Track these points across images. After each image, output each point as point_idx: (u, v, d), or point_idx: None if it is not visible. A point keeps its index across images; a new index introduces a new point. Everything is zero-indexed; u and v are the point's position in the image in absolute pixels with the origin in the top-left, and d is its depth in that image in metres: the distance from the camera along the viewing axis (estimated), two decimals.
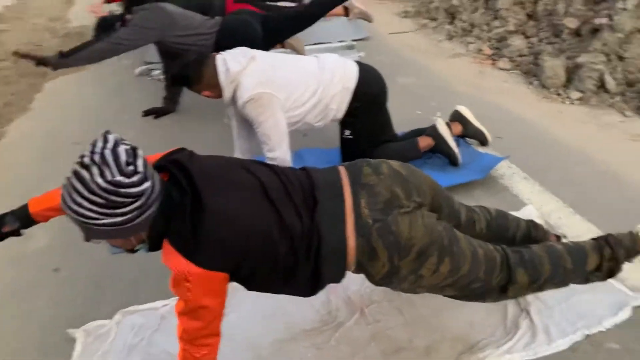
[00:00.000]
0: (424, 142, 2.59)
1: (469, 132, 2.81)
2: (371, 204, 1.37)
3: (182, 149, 1.42)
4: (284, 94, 2.24)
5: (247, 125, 2.44)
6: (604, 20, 3.72)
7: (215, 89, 2.25)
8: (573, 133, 3.04)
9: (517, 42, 4.13)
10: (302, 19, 3.47)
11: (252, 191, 1.35)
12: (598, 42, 3.62)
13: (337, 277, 1.45)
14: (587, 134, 3.03)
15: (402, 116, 3.16)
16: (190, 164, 1.33)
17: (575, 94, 3.46)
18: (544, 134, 3.02)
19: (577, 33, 4.01)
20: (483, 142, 2.84)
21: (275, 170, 1.45)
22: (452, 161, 2.63)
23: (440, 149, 2.61)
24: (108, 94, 4.01)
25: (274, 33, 3.29)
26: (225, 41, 3.05)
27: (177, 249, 1.24)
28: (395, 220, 1.35)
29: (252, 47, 3.09)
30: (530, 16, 4.50)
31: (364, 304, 1.87)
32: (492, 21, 4.59)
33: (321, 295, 1.76)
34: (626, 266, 1.64)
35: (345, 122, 2.43)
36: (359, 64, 2.42)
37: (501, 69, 4.02)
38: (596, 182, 2.52)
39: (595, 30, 3.80)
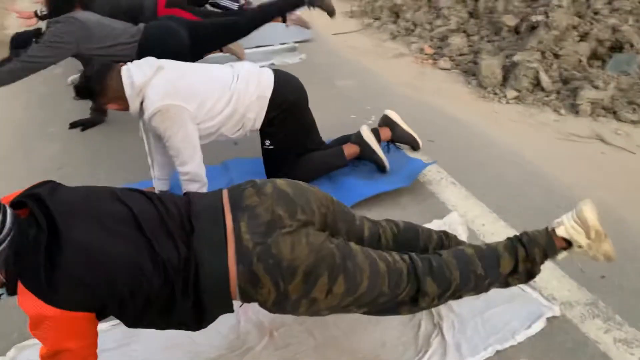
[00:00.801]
0: (350, 149, 2.52)
1: (398, 137, 2.75)
2: (252, 227, 1.30)
3: (47, 182, 1.31)
4: (194, 105, 2.13)
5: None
6: (540, 17, 3.72)
7: (122, 102, 2.12)
8: (506, 133, 3.01)
9: (457, 41, 4.11)
10: (236, 30, 3.35)
11: (121, 223, 1.26)
12: (534, 39, 3.61)
13: (224, 308, 1.36)
14: (520, 134, 3.01)
15: (337, 120, 3.11)
16: (50, 197, 1.23)
17: (511, 93, 3.44)
18: (477, 136, 2.99)
19: (516, 31, 4.00)
20: (414, 146, 2.78)
21: (151, 198, 1.36)
22: (380, 168, 2.57)
23: (366, 156, 2.54)
24: (36, 105, 3.83)
25: (203, 42, 3.16)
26: (148, 51, 2.91)
27: (30, 289, 1.13)
28: (276, 242, 1.28)
29: (178, 57, 2.95)
30: (471, 14, 4.48)
31: (274, 327, 1.79)
32: (435, 20, 4.56)
33: (231, 318, 1.68)
34: (545, 274, 1.59)
35: (265, 132, 2.34)
36: (275, 71, 2.33)
37: (442, 68, 3.98)
38: (524, 185, 2.49)
39: (533, 28, 3.79)
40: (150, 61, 2.21)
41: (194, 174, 2.16)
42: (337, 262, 1.34)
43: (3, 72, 2.70)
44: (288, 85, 2.30)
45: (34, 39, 2.84)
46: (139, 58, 2.94)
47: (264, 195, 1.36)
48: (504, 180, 2.54)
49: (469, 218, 2.26)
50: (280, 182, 1.43)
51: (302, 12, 4.05)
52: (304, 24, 4.23)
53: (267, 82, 2.24)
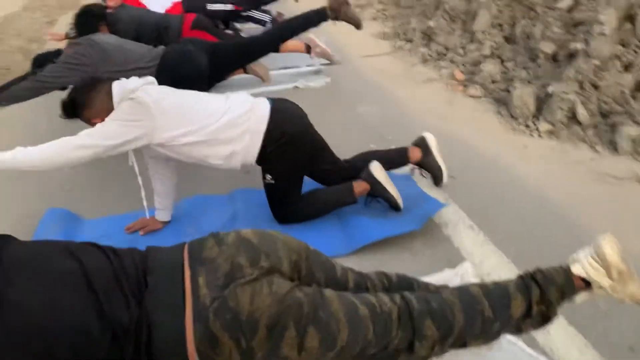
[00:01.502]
0: (360, 187, 2.36)
1: (426, 165, 2.58)
2: (210, 281, 1.17)
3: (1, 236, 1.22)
4: (166, 122, 2.00)
5: (162, 162, 2.25)
6: (580, 45, 3.48)
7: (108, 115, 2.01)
8: (535, 171, 2.79)
9: (489, 68, 3.90)
10: (257, 49, 3.27)
11: (70, 280, 1.15)
12: (572, 69, 3.38)
13: None
14: (551, 173, 2.78)
15: (354, 149, 2.92)
16: None
17: (544, 126, 3.21)
18: (503, 172, 2.79)
19: (554, 58, 3.77)
20: (437, 180, 2.60)
21: (107, 253, 1.25)
22: (393, 206, 2.41)
23: (378, 194, 2.39)
24: (53, 127, 3.84)
25: (223, 64, 3.10)
26: (166, 74, 2.86)
27: None
28: (233, 294, 1.14)
29: (197, 81, 2.91)
30: (507, 39, 4.27)
31: None
32: (468, 44, 4.37)
33: None
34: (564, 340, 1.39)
35: (264, 166, 2.21)
36: (274, 102, 2.20)
37: (472, 96, 3.79)
38: (550, 233, 2.27)
39: (572, 56, 3.56)
40: (149, 79, 2.13)
41: (89, 146, 1.93)
42: (305, 312, 1.19)
43: (17, 90, 2.69)
44: (286, 117, 2.17)
45: (53, 59, 2.83)
46: (158, 81, 2.92)
47: (225, 245, 1.24)
48: (527, 225, 2.33)
49: (484, 269, 2.07)
50: (245, 231, 1.31)
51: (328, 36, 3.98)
52: (329, 57, 4.15)
53: (261, 117, 2.11)
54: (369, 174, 2.36)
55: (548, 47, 3.77)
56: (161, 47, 2.97)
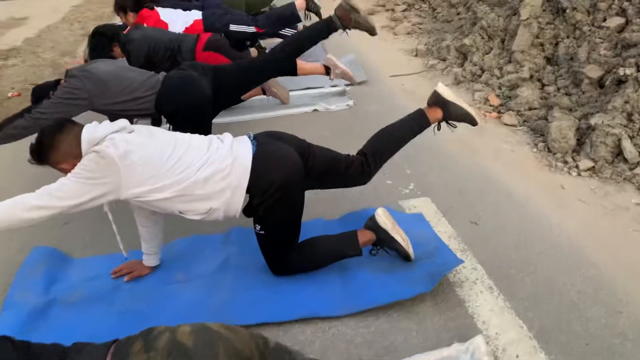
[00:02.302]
0: (365, 237, 2.11)
1: (453, 117, 2.36)
2: None
3: None
4: (133, 178, 1.80)
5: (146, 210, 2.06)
6: (630, 71, 3.11)
7: (76, 160, 1.82)
8: (571, 217, 2.47)
9: (527, 93, 3.56)
10: (264, 71, 3.08)
11: None
12: (620, 98, 3.02)
13: None
14: (589, 220, 2.45)
15: (368, 185, 2.70)
16: None
17: (584, 163, 2.87)
18: (533, 219, 2.47)
19: (600, 84, 3.41)
20: (472, 123, 2.39)
21: (19, 348, 1.06)
22: (402, 256, 2.15)
23: (385, 245, 2.13)
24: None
25: (228, 89, 2.91)
26: (167, 102, 2.72)
27: None
28: None
29: (200, 107, 2.73)
30: (549, 60, 3.92)
31: None
32: (506, 65, 4.04)
33: None
34: None
35: (253, 216, 2.00)
36: (258, 146, 1.97)
37: (506, 124, 3.47)
38: (583, 300, 1.96)
39: (621, 83, 3.20)
40: (122, 123, 1.93)
41: (45, 207, 1.74)
42: None
43: (13, 129, 2.57)
44: (271, 164, 1.93)
45: (51, 91, 2.70)
46: (158, 110, 2.76)
47: (154, 351, 1.05)
48: (557, 289, 2.02)
49: (500, 345, 1.78)
50: (183, 330, 1.11)
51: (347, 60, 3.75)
52: (349, 78, 3.93)
53: (243, 171, 1.88)
54: (374, 223, 2.11)
55: (594, 72, 3.41)
56: (162, 74, 2.81)
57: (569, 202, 2.61)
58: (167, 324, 1.95)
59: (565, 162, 2.94)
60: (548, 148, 3.07)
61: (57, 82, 2.75)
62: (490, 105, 3.71)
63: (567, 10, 3.85)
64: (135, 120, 2.79)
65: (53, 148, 1.84)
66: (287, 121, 3.67)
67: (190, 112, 2.70)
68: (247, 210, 1.98)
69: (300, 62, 3.72)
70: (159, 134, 1.95)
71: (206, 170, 1.86)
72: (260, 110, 3.86)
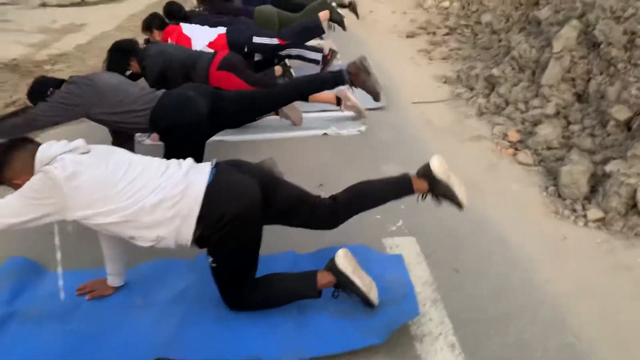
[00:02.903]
0: (324, 279, 2.01)
1: (438, 194, 2.21)
2: None
3: None
4: (78, 201, 1.77)
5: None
6: None
7: (28, 178, 1.82)
8: (564, 275, 2.27)
9: (546, 131, 3.35)
10: (263, 105, 3.03)
11: None
12: None
13: None
14: (583, 279, 2.24)
15: (354, 219, 2.60)
16: None
17: (594, 213, 2.64)
18: (520, 273, 2.29)
19: (627, 127, 3.15)
20: (459, 207, 2.24)
21: None
22: (364, 302, 2.03)
23: (344, 289, 2.02)
24: None
25: (225, 115, 2.88)
26: (160, 118, 2.73)
27: None
28: None
29: (193, 127, 2.72)
30: (579, 97, 3.67)
31: None
32: (532, 99, 3.82)
33: None
34: None
35: (207, 248, 1.94)
36: (216, 176, 1.90)
37: (520, 162, 3.26)
38: None
39: None
40: (76, 143, 1.92)
41: None
42: None
43: (8, 126, 2.65)
44: (226, 196, 1.86)
45: (51, 89, 2.73)
46: (152, 125, 2.77)
47: None
48: (526, 355, 1.84)
49: None
50: None
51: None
52: (359, 112, 3.86)
53: (194, 199, 1.83)
54: (333, 265, 2.00)
55: (622, 113, 3.15)
56: (161, 91, 2.82)
57: (567, 255, 2.40)
58: (115, 349, 1.95)
59: (574, 210, 2.72)
60: (559, 193, 2.86)
61: (61, 82, 2.78)
62: (509, 141, 3.51)
63: (602, 45, 3.60)
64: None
65: (7, 165, 1.85)
66: (295, 143, 3.62)
67: (182, 130, 2.69)
68: (200, 241, 1.93)
69: None
70: (116, 155, 1.94)
71: (156, 196, 1.83)
72: (271, 131, 3.82)
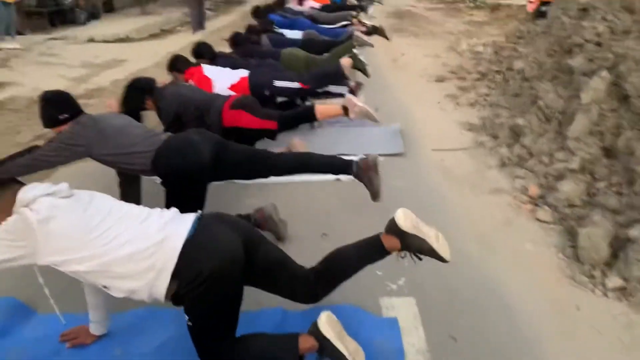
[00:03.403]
0: (306, 343, 1.89)
1: (412, 249, 2.04)
2: None
3: None
4: (48, 247, 1.72)
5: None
6: None
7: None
8: (570, 351, 2.07)
9: (568, 188, 3.16)
10: (265, 167, 2.94)
11: None
12: None
13: None
14: (591, 358, 2.04)
15: (357, 276, 2.49)
16: None
17: (614, 281, 2.44)
18: (523, 345, 2.10)
19: None
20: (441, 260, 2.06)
21: None
22: None
23: (328, 355, 1.89)
24: None
25: (227, 165, 2.82)
26: (162, 161, 2.70)
27: None
28: None
29: (196, 172, 2.68)
30: (607, 152, 3.47)
31: None
32: (557, 152, 3.64)
33: None
34: None
35: (184, 305, 1.85)
36: (197, 229, 1.84)
37: (539, 220, 3.08)
38: None
39: None
40: (59, 187, 1.89)
41: None
42: None
43: (13, 166, 2.68)
44: (204, 252, 1.77)
45: (65, 115, 2.72)
46: (154, 167, 2.74)
47: None
48: None
49: None
50: None
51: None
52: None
53: (170, 252, 1.76)
54: (316, 329, 1.88)
55: None
56: (166, 134, 2.82)
57: (579, 329, 2.20)
58: None
59: (592, 277, 2.52)
60: (577, 257, 2.66)
61: (79, 112, 2.77)
62: (529, 196, 3.33)
63: (633, 99, 3.42)
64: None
65: None
66: (306, 187, 3.54)
67: (183, 175, 2.65)
68: (175, 298, 1.85)
69: (319, 106, 3.63)
70: (96, 201, 1.89)
71: (131, 246, 1.77)
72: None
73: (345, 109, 3.63)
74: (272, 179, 3.57)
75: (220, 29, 11.11)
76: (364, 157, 2.90)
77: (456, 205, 3.30)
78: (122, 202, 1.96)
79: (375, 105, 5.28)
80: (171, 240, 1.79)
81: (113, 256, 1.75)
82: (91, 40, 10.42)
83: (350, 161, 2.91)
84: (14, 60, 8.25)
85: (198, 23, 11.18)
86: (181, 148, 2.71)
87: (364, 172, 2.86)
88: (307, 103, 4.70)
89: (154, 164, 2.70)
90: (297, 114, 3.66)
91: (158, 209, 1.97)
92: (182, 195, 2.68)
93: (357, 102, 3.62)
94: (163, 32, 11.84)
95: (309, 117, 3.60)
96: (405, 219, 2.01)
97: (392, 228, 2.03)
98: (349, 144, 4.09)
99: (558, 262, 2.67)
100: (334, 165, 2.95)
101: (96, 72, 7.83)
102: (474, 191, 3.49)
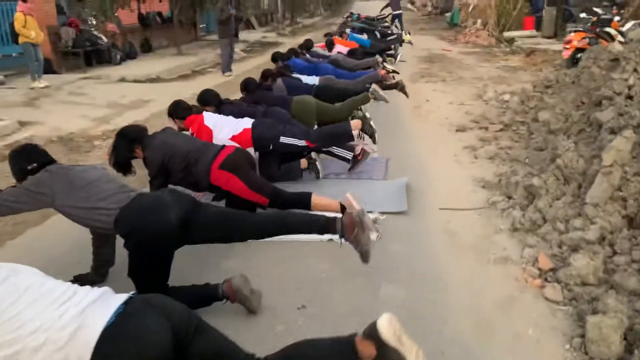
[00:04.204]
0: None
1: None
2: None
3: None
4: None
5: None
6: None
7: None
8: None
9: (581, 263, 2.80)
10: (242, 228, 2.73)
11: None
12: None
13: None
14: None
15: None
16: None
17: None
18: None
19: None
20: None
21: None
22: None
23: None
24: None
25: (201, 230, 2.62)
26: (124, 220, 2.51)
27: None
28: None
29: (162, 235, 2.47)
30: (630, 221, 3.11)
31: None
32: (574, 218, 3.29)
33: None
34: None
35: None
36: (124, 317, 1.61)
37: (547, 298, 2.73)
38: None
39: None
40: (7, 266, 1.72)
41: None
42: None
43: None
44: (127, 346, 1.56)
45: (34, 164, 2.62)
46: (117, 226, 2.56)
47: None
48: None
49: None
50: None
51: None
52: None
53: (82, 344, 1.54)
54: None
55: None
56: (136, 191, 2.65)
57: None
58: None
59: None
60: (584, 349, 2.31)
61: (50, 162, 2.67)
62: (538, 269, 2.98)
63: None
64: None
65: None
66: (293, 249, 3.30)
67: (145, 238, 2.46)
68: None
69: (315, 197, 3.41)
70: (16, 278, 1.70)
71: (39, 336, 1.56)
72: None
73: (343, 209, 3.42)
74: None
75: (250, 70, 11.19)
76: (349, 212, 2.66)
77: (456, 275, 2.99)
78: (47, 279, 1.77)
79: (387, 156, 5.09)
80: (86, 329, 1.57)
81: (22, 347, 1.54)
82: (122, 80, 10.65)
83: (334, 219, 2.68)
84: (43, 99, 8.45)
85: (227, 65, 11.31)
86: (146, 208, 2.53)
87: (349, 231, 2.61)
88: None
89: (116, 223, 2.53)
90: (292, 198, 3.44)
91: (87, 287, 1.77)
92: (144, 260, 2.49)
93: (355, 204, 3.39)
94: (193, 73, 12.04)
95: (304, 205, 3.38)
96: (388, 328, 1.73)
97: (372, 334, 1.75)
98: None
99: (563, 354, 2.32)
100: (316, 224, 2.72)
101: (119, 113, 7.91)
102: (479, 260, 3.17)
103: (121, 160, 3.36)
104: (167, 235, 2.48)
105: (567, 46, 9.44)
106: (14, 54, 10.30)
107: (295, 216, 2.81)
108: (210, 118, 4.20)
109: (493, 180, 4.32)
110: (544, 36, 15.61)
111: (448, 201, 4.02)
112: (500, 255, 3.20)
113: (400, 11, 19.12)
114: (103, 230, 2.67)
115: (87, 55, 11.59)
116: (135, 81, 10.58)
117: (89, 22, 12.48)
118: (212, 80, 10.39)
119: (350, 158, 4.49)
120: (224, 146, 3.55)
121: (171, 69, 11.74)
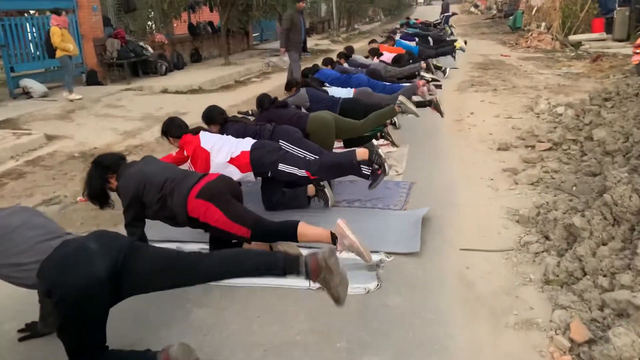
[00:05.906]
0: None
1: None
2: None
3: None
4: None
5: None
6: None
7: None
8: None
9: (625, 341, 2.16)
10: (181, 273, 2.30)
11: None
12: None
13: None
14: None
15: None
16: None
17: None
18: None
19: None
20: None
21: None
22: None
23: None
24: None
25: (137, 278, 2.21)
26: (45, 276, 2.11)
27: None
28: None
29: (84, 292, 2.08)
30: None
31: None
32: (623, 272, 2.62)
33: None
34: None
35: None
36: None
37: None
38: None
39: None
40: None
41: None
42: None
43: None
44: None
45: None
46: (39, 284, 2.19)
47: None
48: None
49: None
50: None
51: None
52: (359, 253, 3.00)
53: None
54: None
55: None
56: (59, 239, 2.25)
57: None
58: None
59: None
60: None
61: None
62: (570, 340, 2.36)
63: None
64: None
65: None
66: (275, 297, 2.84)
67: (68, 296, 2.07)
68: None
69: (303, 226, 2.97)
70: None
71: None
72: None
73: (334, 238, 2.95)
74: (244, 280, 2.93)
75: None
76: (313, 253, 2.20)
77: (463, 344, 2.42)
78: None
79: (413, 179, 4.54)
80: None
81: None
82: (164, 91, 10.59)
83: (296, 259, 2.23)
84: (79, 112, 8.44)
85: (290, 72, 10.42)
86: (67, 259, 2.14)
87: (314, 274, 2.19)
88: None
89: (38, 278, 2.15)
90: (277, 229, 3.02)
91: None
92: (71, 320, 2.11)
93: (349, 233, 2.92)
94: (236, 84, 11.84)
95: (290, 236, 2.96)
96: None
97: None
98: (356, 231, 3.31)
99: None
100: (275, 265, 2.26)
101: (150, 126, 7.75)
102: (496, 322, 2.57)
103: (95, 191, 3.06)
104: (95, 290, 2.09)
105: (638, 50, 8.48)
106: (53, 67, 10.43)
107: (253, 257, 2.37)
108: (208, 139, 3.84)
109: (530, 214, 3.66)
110: (615, 39, 14.35)
111: (473, 239, 3.42)
112: (523, 317, 2.59)
113: (448, 13, 18.95)
114: (29, 288, 2.29)
115: (133, 66, 11.65)
116: (177, 92, 10.49)
117: (135, 34, 12.59)
118: (252, 91, 10.11)
119: (369, 173, 3.92)
120: (206, 174, 3.15)
121: (214, 80, 11.60)
